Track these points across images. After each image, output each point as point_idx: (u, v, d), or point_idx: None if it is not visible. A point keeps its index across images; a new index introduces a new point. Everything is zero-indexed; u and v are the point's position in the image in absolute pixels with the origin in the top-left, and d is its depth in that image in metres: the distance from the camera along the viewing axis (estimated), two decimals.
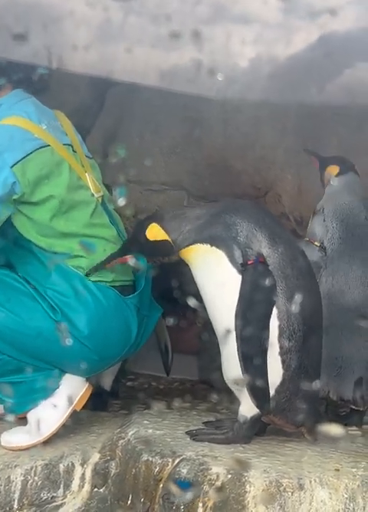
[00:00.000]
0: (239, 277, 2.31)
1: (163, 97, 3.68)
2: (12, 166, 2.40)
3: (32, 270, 2.53)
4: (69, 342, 2.42)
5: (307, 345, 2.33)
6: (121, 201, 2.56)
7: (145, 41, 3.13)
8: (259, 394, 2.28)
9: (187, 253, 2.42)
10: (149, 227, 2.47)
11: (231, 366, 2.35)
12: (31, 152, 2.43)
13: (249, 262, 2.30)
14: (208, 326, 2.48)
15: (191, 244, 2.40)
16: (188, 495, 2.17)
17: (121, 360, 2.78)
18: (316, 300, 2.43)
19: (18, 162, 2.41)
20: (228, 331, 2.32)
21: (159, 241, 2.46)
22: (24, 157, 2.41)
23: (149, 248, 2.51)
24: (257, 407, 2.31)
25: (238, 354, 2.25)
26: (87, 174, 2.58)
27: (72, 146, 2.59)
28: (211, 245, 2.36)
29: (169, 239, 2.45)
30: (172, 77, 3.47)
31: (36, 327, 2.46)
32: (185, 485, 2.20)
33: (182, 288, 2.65)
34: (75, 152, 2.60)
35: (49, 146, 2.48)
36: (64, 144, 2.55)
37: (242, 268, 2.30)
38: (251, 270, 2.30)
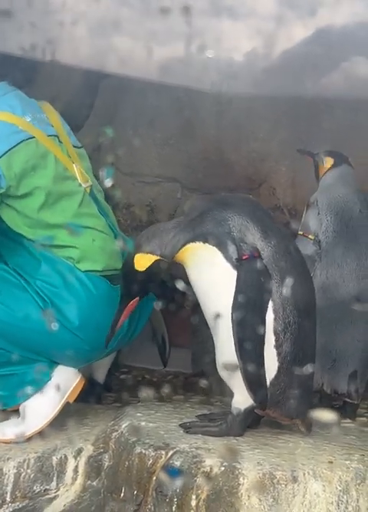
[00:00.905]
0: (234, 272, 2.30)
1: (157, 90, 3.67)
2: None
3: (22, 261, 2.53)
4: (55, 327, 2.42)
5: (301, 337, 2.33)
6: (108, 182, 2.55)
7: (139, 34, 3.12)
8: (257, 388, 2.28)
9: (180, 255, 2.41)
10: (135, 260, 2.45)
11: (225, 361, 2.35)
12: (16, 145, 2.43)
13: (244, 257, 2.30)
14: (201, 319, 2.48)
15: (183, 246, 2.39)
16: (178, 483, 2.17)
17: (114, 351, 2.78)
18: (310, 292, 2.43)
19: (3, 155, 2.40)
20: (221, 323, 2.33)
21: (151, 265, 2.44)
22: (8, 150, 2.41)
23: (146, 279, 2.47)
24: (256, 401, 2.31)
25: (236, 348, 2.25)
26: (74, 164, 2.58)
27: (58, 137, 2.59)
28: (204, 242, 2.35)
29: (158, 257, 2.43)
30: (167, 70, 3.46)
31: (26, 318, 2.46)
32: (174, 473, 2.20)
33: (173, 282, 2.64)
34: (61, 142, 2.59)
35: (34, 137, 2.47)
36: (49, 135, 2.55)
37: (237, 263, 2.30)
38: (247, 265, 2.30)
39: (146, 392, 2.80)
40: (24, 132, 2.46)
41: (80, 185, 2.57)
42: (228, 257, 2.31)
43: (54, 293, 2.47)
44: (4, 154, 2.41)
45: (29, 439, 2.48)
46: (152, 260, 2.43)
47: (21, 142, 2.44)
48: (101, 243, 2.57)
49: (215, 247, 2.33)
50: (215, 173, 3.61)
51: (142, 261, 2.44)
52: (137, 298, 2.47)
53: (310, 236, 2.82)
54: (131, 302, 2.46)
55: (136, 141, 3.67)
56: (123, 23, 3.15)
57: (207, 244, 2.34)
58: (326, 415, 2.36)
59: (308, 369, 2.36)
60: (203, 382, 3.09)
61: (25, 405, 2.52)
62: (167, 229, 2.45)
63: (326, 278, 2.78)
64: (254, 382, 2.28)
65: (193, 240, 2.37)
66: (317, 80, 3.55)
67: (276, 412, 2.39)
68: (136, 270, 2.44)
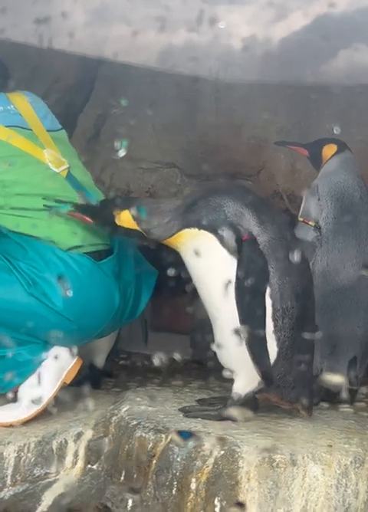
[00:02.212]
0: (230, 259, 2.31)
1: (157, 77, 3.67)
2: None
3: (6, 247, 2.53)
4: (70, 293, 2.42)
5: (300, 322, 2.34)
6: (121, 153, 2.54)
7: (138, 21, 3.12)
8: (266, 369, 2.29)
9: (175, 240, 2.41)
10: (121, 213, 2.46)
11: (223, 344, 2.37)
12: None
13: (244, 238, 2.30)
14: (200, 305, 2.48)
15: (178, 232, 2.39)
16: (190, 444, 2.19)
17: (115, 328, 2.77)
18: (307, 277, 2.43)
19: None
20: (219, 309, 2.35)
21: (128, 228, 2.46)
22: None
23: (115, 230, 2.50)
24: (265, 382, 2.31)
25: (242, 329, 2.26)
26: (45, 150, 2.59)
27: (27, 126, 2.62)
28: (199, 228, 2.35)
29: (139, 229, 2.44)
30: (167, 57, 3.46)
31: (12, 301, 2.46)
32: (186, 435, 2.22)
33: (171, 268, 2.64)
34: (30, 129, 2.62)
35: None
36: (8, 126, 2.59)
37: (237, 245, 2.30)
38: (248, 245, 2.30)
39: (149, 383, 2.79)
40: None
41: (48, 168, 2.58)
42: (223, 243, 2.32)
43: (37, 276, 2.47)
44: None
45: (29, 423, 2.49)
46: (132, 227, 2.44)
47: None
48: (77, 221, 2.54)
49: (211, 234, 2.34)
50: (214, 159, 3.61)
51: (125, 219, 2.45)
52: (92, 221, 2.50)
53: (310, 222, 2.82)
54: (88, 219, 2.49)
55: (135, 127, 3.67)
56: (122, 10, 3.15)
57: (202, 231, 2.35)
58: (335, 379, 2.37)
59: (308, 353, 2.37)
60: (202, 368, 3.11)
61: (23, 387, 2.52)
62: (163, 212, 2.44)
63: (326, 264, 2.78)
64: (262, 360, 2.28)
65: (188, 226, 2.37)
66: (317, 67, 3.55)
67: (276, 397, 2.40)
68: (113, 218, 2.46)
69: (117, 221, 2.46)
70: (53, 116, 2.79)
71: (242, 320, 2.26)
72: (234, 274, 2.29)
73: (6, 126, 2.59)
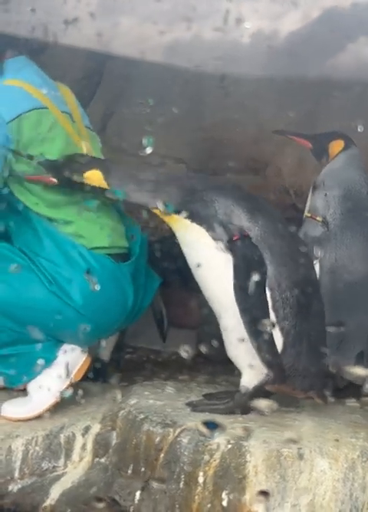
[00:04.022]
0: (221, 254, 2.33)
1: (163, 71, 3.66)
2: (8, 122, 2.42)
3: (27, 239, 2.54)
4: (97, 288, 2.43)
5: (305, 310, 2.35)
6: (148, 150, 2.55)
7: (144, 15, 3.11)
8: (273, 362, 2.30)
9: (168, 219, 2.44)
10: (91, 172, 2.47)
11: (229, 339, 2.38)
12: (28, 111, 2.46)
13: (234, 237, 2.31)
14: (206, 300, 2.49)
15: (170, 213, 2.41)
16: (217, 433, 2.21)
17: (119, 330, 2.79)
18: (306, 267, 2.44)
19: (14, 118, 2.43)
20: (220, 302, 2.38)
21: (96, 187, 2.48)
22: (20, 114, 2.44)
23: (81, 187, 2.50)
24: (274, 374, 2.32)
25: (246, 328, 2.27)
26: (84, 143, 2.60)
27: (71, 116, 2.62)
28: (192, 221, 2.38)
29: (108, 188, 2.47)
30: (173, 52, 3.45)
31: (31, 298, 2.48)
32: (212, 426, 2.24)
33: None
34: (74, 122, 2.61)
35: (47, 108, 2.50)
36: (63, 112, 2.58)
37: (229, 244, 2.32)
38: (239, 244, 2.32)
39: (156, 377, 2.81)
40: (38, 101, 2.49)
41: None
42: (215, 238, 2.34)
43: (57, 272, 2.48)
44: (16, 118, 2.43)
45: (37, 417, 2.50)
46: (102, 186, 2.47)
47: (34, 109, 2.47)
48: (106, 221, 2.58)
49: (202, 228, 2.36)
50: (220, 154, 3.60)
51: (94, 178, 2.48)
52: (54, 180, 2.48)
53: (317, 218, 2.83)
54: (48, 179, 2.48)
55: (142, 122, 3.67)
56: (129, 3, 3.14)
57: (194, 224, 2.37)
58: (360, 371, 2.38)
59: (317, 340, 2.37)
60: (209, 363, 3.11)
61: (33, 383, 2.53)
62: (143, 180, 2.47)
63: (334, 260, 2.78)
64: (270, 358, 2.29)
65: (180, 214, 2.39)
66: (324, 61, 3.53)
67: (289, 387, 2.40)
68: (82, 174, 2.47)
69: (85, 180, 2.47)
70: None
71: (245, 318, 2.27)
72: (228, 268, 2.31)
73: (61, 111, 2.58)
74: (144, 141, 2.57)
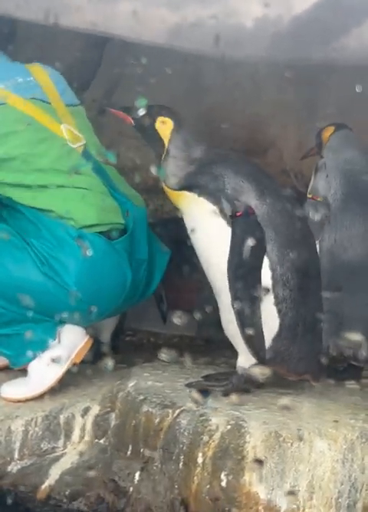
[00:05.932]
0: (227, 229, 2.31)
1: (164, 54, 3.63)
2: None
3: (20, 224, 2.54)
4: (90, 253, 2.42)
5: (303, 293, 2.34)
6: (141, 111, 2.51)
7: None
8: (255, 343, 2.30)
9: (176, 198, 2.42)
10: (165, 120, 2.47)
11: (228, 318, 2.37)
12: None
13: (238, 214, 2.30)
14: (206, 281, 2.48)
15: (178, 190, 2.39)
16: (210, 402, 2.24)
17: (127, 307, 2.78)
18: (309, 250, 2.43)
19: None
20: (222, 281, 2.34)
21: (158, 138, 2.45)
22: None
23: (147, 131, 2.49)
24: (254, 356, 2.32)
25: (232, 305, 2.27)
26: (62, 125, 2.58)
27: (46, 99, 2.59)
28: (199, 195, 2.36)
29: (166, 146, 2.44)
30: (174, 35, 3.43)
31: (24, 279, 2.47)
32: (205, 394, 2.27)
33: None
34: (49, 103, 2.59)
35: (5, 104, 2.49)
36: (31, 98, 2.56)
37: (231, 220, 2.30)
38: (241, 221, 2.30)
39: (155, 359, 2.81)
40: None
41: (65, 144, 2.57)
42: (222, 213, 2.32)
43: (50, 254, 2.48)
44: None
45: (36, 398, 2.50)
46: (164, 138, 2.44)
47: None
48: (92, 200, 2.55)
49: (209, 203, 2.34)
50: (222, 137, 3.59)
51: (164, 128, 2.45)
52: (132, 121, 2.51)
53: (319, 199, 2.82)
54: (128, 119, 2.51)
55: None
56: None
57: (201, 198, 2.35)
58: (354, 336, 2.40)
59: (313, 324, 2.37)
60: (208, 345, 3.11)
61: (33, 364, 2.54)
62: (189, 160, 2.43)
63: (334, 241, 2.76)
64: (253, 339, 2.29)
65: (188, 189, 2.38)
66: (327, 44, 3.51)
67: (282, 369, 2.40)
68: (154, 121, 2.46)
69: (157, 126, 2.46)
70: (71, 90, 2.75)
71: (234, 296, 2.26)
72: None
73: (26, 98, 2.56)
74: (136, 102, 2.55)
